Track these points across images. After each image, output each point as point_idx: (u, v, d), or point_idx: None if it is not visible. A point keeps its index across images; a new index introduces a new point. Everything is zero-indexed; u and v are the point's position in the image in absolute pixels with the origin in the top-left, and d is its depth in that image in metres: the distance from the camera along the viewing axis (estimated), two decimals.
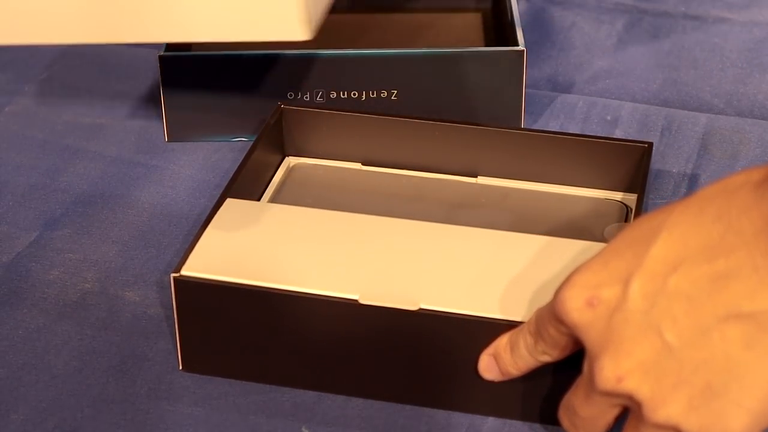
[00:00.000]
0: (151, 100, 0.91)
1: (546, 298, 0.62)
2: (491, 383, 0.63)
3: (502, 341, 0.61)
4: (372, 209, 0.73)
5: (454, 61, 0.84)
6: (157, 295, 0.73)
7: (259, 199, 0.77)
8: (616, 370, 0.54)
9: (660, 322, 0.54)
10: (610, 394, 0.55)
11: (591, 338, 0.55)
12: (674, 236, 0.54)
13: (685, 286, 0.53)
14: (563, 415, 0.60)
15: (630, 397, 0.54)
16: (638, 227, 0.56)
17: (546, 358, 0.60)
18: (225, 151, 0.85)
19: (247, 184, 0.75)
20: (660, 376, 0.53)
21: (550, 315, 0.58)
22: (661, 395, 0.53)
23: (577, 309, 0.56)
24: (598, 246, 0.66)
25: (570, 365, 0.60)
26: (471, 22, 0.96)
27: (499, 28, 0.94)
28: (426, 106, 0.84)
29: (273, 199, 0.77)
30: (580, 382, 0.58)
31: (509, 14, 0.88)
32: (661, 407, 0.53)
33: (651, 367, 0.54)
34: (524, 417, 0.64)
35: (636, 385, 0.54)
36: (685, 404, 0.53)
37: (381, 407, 0.65)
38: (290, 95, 0.84)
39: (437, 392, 0.65)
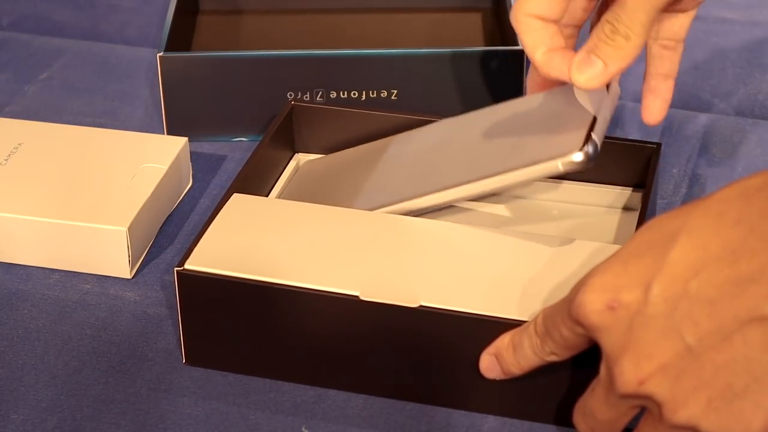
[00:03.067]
0: (151, 100, 0.91)
1: (547, 297, 0.61)
2: (492, 381, 0.62)
3: (504, 341, 0.61)
4: (378, 206, 0.73)
5: (454, 61, 0.84)
6: (157, 295, 0.73)
7: (267, 195, 0.77)
8: (638, 373, 0.54)
9: (681, 326, 0.53)
10: (630, 397, 0.55)
11: (611, 341, 0.55)
12: (694, 240, 0.54)
13: (707, 290, 0.53)
14: (580, 420, 0.59)
15: (650, 399, 0.54)
16: (655, 230, 0.56)
17: (553, 358, 0.60)
18: (225, 151, 0.85)
19: (255, 179, 0.75)
20: (680, 378, 0.53)
21: (565, 316, 0.57)
22: (682, 397, 0.53)
23: (597, 312, 0.55)
24: (602, 246, 0.66)
25: (571, 363, 0.60)
26: (471, 22, 0.96)
27: (499, 28, 0.94)
28: (426, 106, 0.84)
29: (281, 195, 0.77)
30: (597, 385, 0.57)
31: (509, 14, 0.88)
32: (681, 408, 0.53)
33: (672, 370, 0.53)
34: (525, 415, 0.64)
35: (657, 387, 0.54)
36: (704, 405, 0.53)
37: (381, 406, 0.65)
38: (290, 95, 0.84)
39: (437, 389, 0.65)
